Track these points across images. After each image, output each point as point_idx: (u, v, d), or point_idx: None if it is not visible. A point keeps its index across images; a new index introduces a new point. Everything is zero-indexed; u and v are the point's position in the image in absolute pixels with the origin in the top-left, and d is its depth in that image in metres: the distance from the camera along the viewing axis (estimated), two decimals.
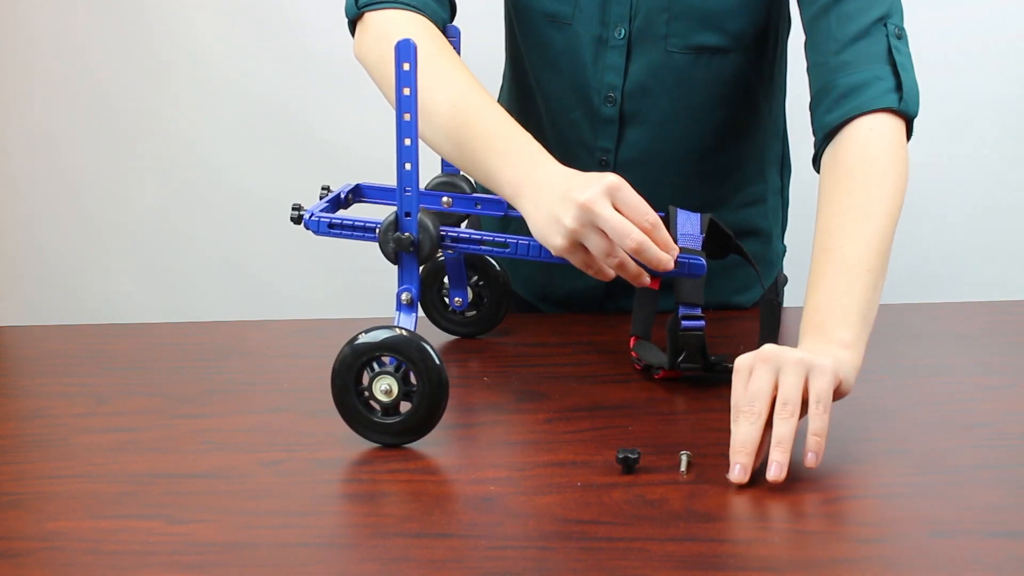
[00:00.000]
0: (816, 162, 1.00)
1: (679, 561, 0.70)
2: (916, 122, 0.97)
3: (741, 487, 0.79)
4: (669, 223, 0.95)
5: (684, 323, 0.94)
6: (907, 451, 0.85)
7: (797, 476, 0.82)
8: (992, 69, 1.85)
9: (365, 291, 1.79)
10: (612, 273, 0.89)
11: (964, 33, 1.84)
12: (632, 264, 0.87)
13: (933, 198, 1.92)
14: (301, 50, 1.93)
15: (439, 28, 1.03)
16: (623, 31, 1.09)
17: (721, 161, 1.17)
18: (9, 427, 0.97)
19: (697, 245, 0.94)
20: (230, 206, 2.05)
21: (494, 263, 1.13)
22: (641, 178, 1.12)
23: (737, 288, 1.23)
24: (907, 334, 1.12)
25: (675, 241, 0.90)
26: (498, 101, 1.14)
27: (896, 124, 0.95)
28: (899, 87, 0.94)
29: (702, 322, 0.94)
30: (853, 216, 0.92)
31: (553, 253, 0.89)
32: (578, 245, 0.87)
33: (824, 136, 0.97)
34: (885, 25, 0.97)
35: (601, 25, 1.09)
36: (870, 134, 0.94)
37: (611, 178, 0.86)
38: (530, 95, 1.17)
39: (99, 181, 2.07)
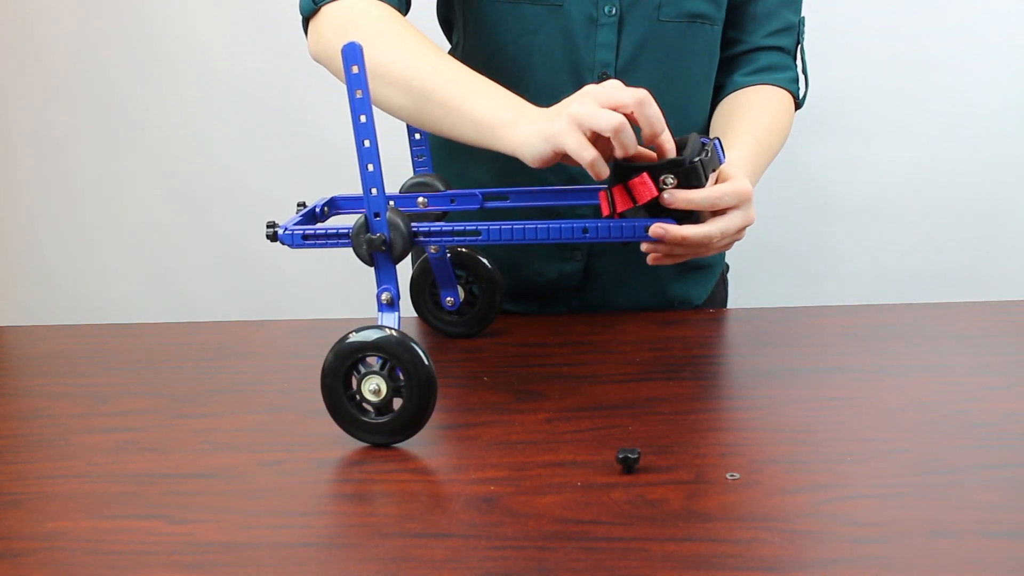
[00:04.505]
0: (714, 99, 1.21)
1: (679, 561, 0.70)
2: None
3: (741, 487, 0.79)
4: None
5: (717, 143, 0.92)
6: (907, 451, 0.85)
7: (797, 476, 0.82)
8: (992, 69, 1.85)
9: (365, 291, 1.79)
10: (595, 154, 0.86)
11: (964, 33, 1.84)
12: (630, 129, 0.85)
13: (933, 198, 1.92)
14: (303, 50, 1.93)
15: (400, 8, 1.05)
16: (614, 8, 1.10)
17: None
18: (9, 427, 0.98)
19: None
20: (230, 206, 2.05)
21: (485, 261, 1.13)
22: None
23: (685, 279, 1.24)
24: (907, 334, 1.12)
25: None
26: None
27: (791, 101, 1.19)
28: (797, 79, 1.20)
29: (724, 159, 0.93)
30: (767, 116, 1.14)
31: (553, 144, 0.86)
32: (576, 124, 0.85)
33: (733, 90, 1.18)
34: (799, 27, 1.21)
35: (591, 4, 1.10)
36: (776, 92, 1.18)
37: (612, 88, 0.87)
38: (506, 87, 1.15)
39: (99, 181, 2.07)
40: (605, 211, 0.90)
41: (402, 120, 1.00)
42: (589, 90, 0.87)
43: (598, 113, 0.85)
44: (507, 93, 0.94)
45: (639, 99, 0.85)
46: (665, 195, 0.88)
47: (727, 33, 1.20)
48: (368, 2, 1.02)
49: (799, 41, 1.21)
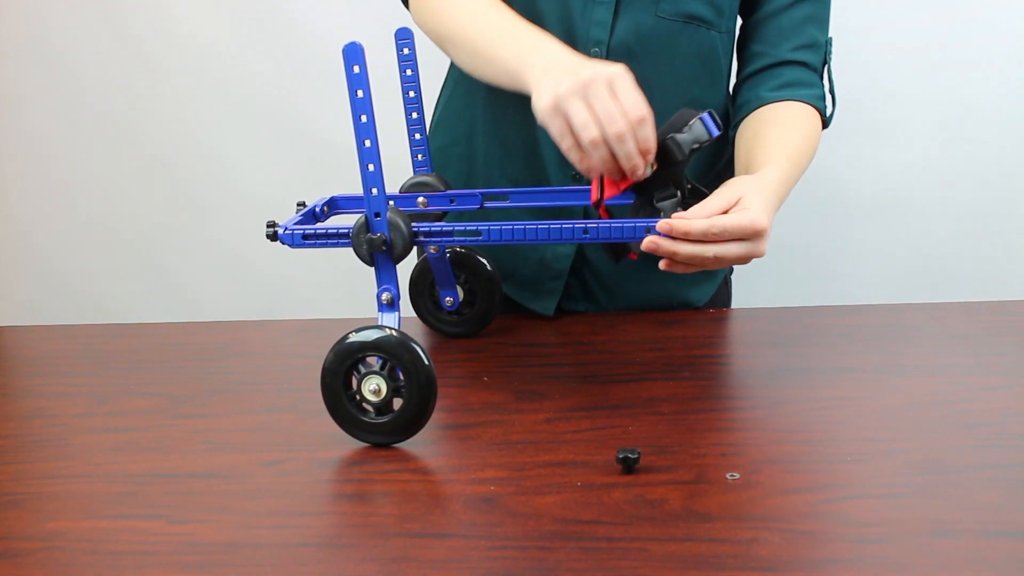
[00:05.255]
0: (738, 114, 1.16)
1: (679, 561, 0.70)
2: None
3: (741, 487, 0.79)
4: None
5: (705, 116, 0.91)
6: (907, 451, 0.85)
7: (797, 476, 0.82)
8: (992, 69, 1.85)
9: (366, 291, 1.79)
10: (583, 155, 0.89)
11: (964, 33, 1.84)
12: (605, 149, 0.88)
13: (934, 198, 1.92)
14: (302, 49, 1.93)
15: None
16: None
17: None
18: (9, 427, 0.98)
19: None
20: (230, 206, 2.05)
21: (484, 261, 1.13)
22: None
23: (685, 281, 1.24)
24: (907, 334, 1.12)
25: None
26: (450, 73, 1.28)
27: (819, 119, 1.14)
28: (824, 97, 1.16)
29: (717, 131, 0.91)
30: (798, 135, 1.10)
31: (537, 117, 0.90)
32: (560, 111, 0.88)
33: (759, 105, 1.14)
34: (826, 47, 1.17)
35: None
36: (805, 110, 1.13)
37: (618, 67, 0.89)
38: None
39: (99, 181, 2.07)
40: (593, 197, 0.92)
41: (474, 76, 1.05)
42: (600, 72, 0.88)
43: (611, 111, 0.86)
44: (537, 37, 0.96)
45: (641, 117, 0.87)
46: (662, 224, 0.88)
47: (752, 47, 1.17)
48: None
49: (826, 60, 1.17)
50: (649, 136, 0.88)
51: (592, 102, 0.87)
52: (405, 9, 1.18)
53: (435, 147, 1.27)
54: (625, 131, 0.86)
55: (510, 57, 0.96)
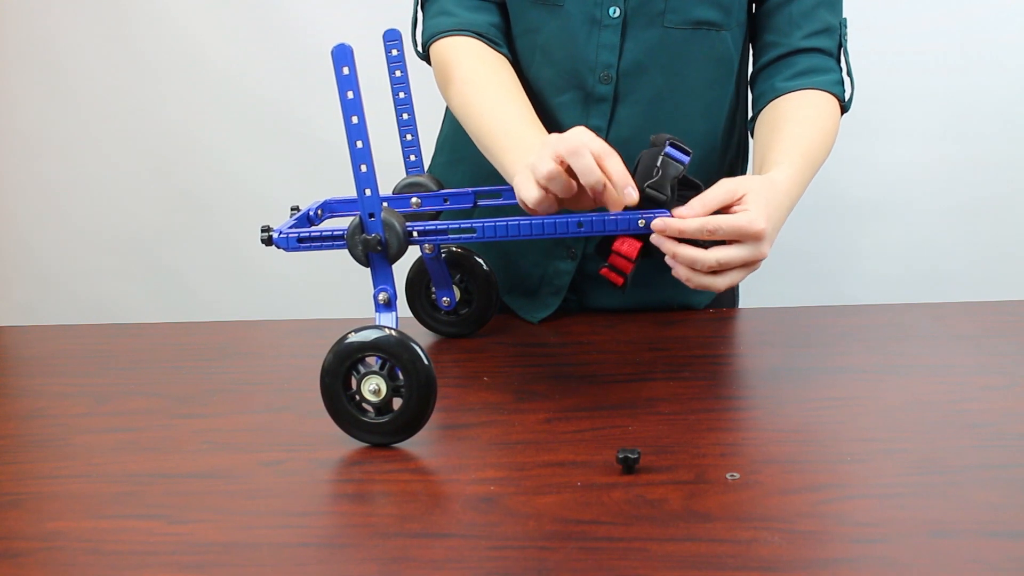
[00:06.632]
0: (755, 107, 1.16)
1: (679, 561, 0.70)
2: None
3: (741, 487, 0.79)
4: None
5: (669, 150, 0.91)
6: (907, 451, 0.85)
7: (797, 476, 0.82)
8: (992, 69, 1.85)
9: (366, 291, 1.79)
10: (574, 201, 0.92)
11: (964, 33, 1.84)
12: (565, 178, 0.89)
13: (933, 198, 1.92)
14: (301, 49, 1.93)
15: (497, 41, 1.14)
16: (617, 9, 1.10)
17: (708, 143, 1.18)
18: (9, 427, 0.98)
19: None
20: (230, 206, 2.05)
21: (480, 261, 1.13)
22: (629, 156, 1.13)
23: (687, 289, 1.23)
24: (907, 334, 1.12)
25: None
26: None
27: (836, 105, 1.13)
28: (841, 82, 1.14)
29: (687, 158, 0.92)
30: (812, 128, 1.08)
31: (531, 204, 0.90)
32: (538, 175, 0.90)
33: (775, 96, 1.13)
34: (840, 29, 1.15)
35: (594, 5, 1.10)
36: (821, 98, 1.12)
37: (576, 128, 0.91)
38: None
39: (99, 181, 2.07)
40: (619, 281, 0.93)
41: None
42: (560, 135, 0.91)
43: (570, 141, 0.88)
44: (529, 145, 0.98)
45: (600, 151, 0.88)
46: (657, 222, 0.89)
47: (765, 37, 1.16)
48: (466, 43, 1.12)
49: (841, 43, 1.15)
50: (617, 168, 0.89)
51: (555, 148, 0.88)
52: (411, 41, 1.20)
53: (442, 161, 1.27)
54: (606, 149, 0.88)
55: (506, 168, 1.02)
